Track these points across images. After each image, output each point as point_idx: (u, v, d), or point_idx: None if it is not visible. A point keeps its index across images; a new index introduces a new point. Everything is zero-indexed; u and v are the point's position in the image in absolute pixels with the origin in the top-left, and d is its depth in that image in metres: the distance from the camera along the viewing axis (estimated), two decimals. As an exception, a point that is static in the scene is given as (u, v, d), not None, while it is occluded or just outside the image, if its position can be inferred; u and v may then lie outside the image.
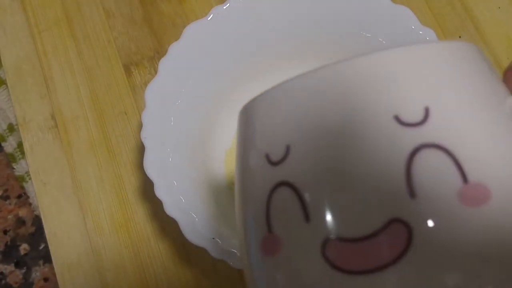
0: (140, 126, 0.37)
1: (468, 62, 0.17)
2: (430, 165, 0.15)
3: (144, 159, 0.29)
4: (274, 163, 0.17)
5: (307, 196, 0.16)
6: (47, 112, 0.38)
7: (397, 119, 0.15)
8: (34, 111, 0.38)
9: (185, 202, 0.29)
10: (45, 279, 0.35)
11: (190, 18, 0.40)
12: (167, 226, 0.35)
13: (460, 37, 0.38)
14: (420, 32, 0.31)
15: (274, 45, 0.34)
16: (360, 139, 0.15)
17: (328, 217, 0.15)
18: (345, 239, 0.15)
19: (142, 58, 0.39)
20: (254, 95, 0.18)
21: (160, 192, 0.29)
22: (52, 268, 0.35)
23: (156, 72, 0.38)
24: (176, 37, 0.39)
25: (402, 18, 0.32)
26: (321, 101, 0.16)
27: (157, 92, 0.31)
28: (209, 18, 0.32)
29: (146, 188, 0.36)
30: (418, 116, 0.15)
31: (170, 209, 0.29)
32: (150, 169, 0.29)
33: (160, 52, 0.39)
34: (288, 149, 0.16)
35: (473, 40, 0.38)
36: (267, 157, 0.17)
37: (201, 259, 0.34)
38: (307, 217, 0.15)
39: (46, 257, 0.35)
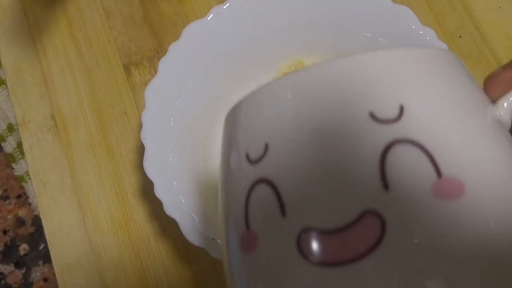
0: (140, 126, 0.37)
1: (444, 67, 0.18)
2: (404, 160, 0.15)
3: (144, 159, 0.29)
4: (253, 162, 0.17)
5: (283, 191, 0.16)
6: (46, 112, 0.38)
7: (372, 115, 0.16)
8: (34, 111, 0.38)
9: (185, 202, 0.29)
10: (45, 279, 0.35)
11: (189, 18, 0.40)
12: (167, 226, 0.35)
13: (460, 36, 0.38)
14: (421, 32, 0.31)
15: (274, 45, 0.34)
16: (336, 135, 0.16)
17: (303, 210, 0.16)
18: (320, 231, 0.15)
19: (142, 58, 0.39)
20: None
21: (160, 192, 0.29)
22: (51, 268, 0.35)
23: (156, 72, 0.38)
24: (176, 37, 0.39)
25: (403, 18, 0.32)
26: (298, 101, 0.17)
27: (157, 92, 0.31)
28: (209, 18, 0.32)
29: (146, 188, 0.36)
30: (392, 113, 0.16)
31: (170, 209, 0.29)
32: (150, 169, 0.29)
33: (160, 52, 0.39)
34: (266, 147, 0.17)
35: (474, 39, 0.38)
36: (247, 156, 0.18)
37: (201, 259, 0.34)
38: (283, 211, 0.16)
39: (46, 257, 0.35)
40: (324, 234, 0.15)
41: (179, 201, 0.29)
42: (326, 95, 0.17)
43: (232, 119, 0.19)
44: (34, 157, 0.37)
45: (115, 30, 0.40)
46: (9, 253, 0.36)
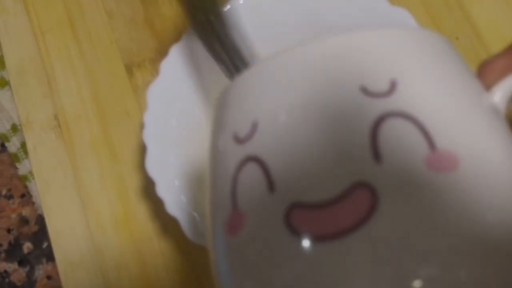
0: (142, 126, 0.38)
1: (439, 49, 0.18)
2: (396, 132, 0.15)
3: (145, 159, 0.30)
4: (240, 141, 0.17)
5: (272, 167, 0.16)
6: (50, 112, 0.38)
7: (364, 89, 0.16)
8: (37, 111, 0.38)
9: (186, 201, 0.30)
10: (48, 277, 0.36)
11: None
12: (169, 225, 0.35)
13: (457, 38, 0.39)
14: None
15: (274, 46, 0.34)
16: (326, 108, 0.16)
17: (292, 185, 0.15)
18: (309, 205, 0.15)
19: (144, 59, 0.39)
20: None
21: (161, 191, 0.29)
22: (55, 267, 0.35)
23: (158, 73, 0.39)
24: (178, 38, 0.40)
25: (400, 20, 0.32)
26: (288, 78, 0.17)
27: (159, 92, 0.31)
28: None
29: (148, 187, 0.36)
30: (384, 87, 0.16)
31: (171, 208, 0.29)
32: (152, 169, 0.30)
33: (161, 53, 0.39)
34: (255, 126, 0.17)
35: (470, 41, 0.39)
36: (235, 135, 0.17)
37: (203, 258, 0.34)
38: (271, 187, 0.15)
39: (49, 256, 0.36)
40: (314, 208, 0.15)
41: (180, 201, 0.29)
42: (317, 71, 0.16)
43: (221, 101, 0.19)
44: (38, 157, 0.37)
45: (117, 31, 0.40)
46: (13, 252, 0.36)
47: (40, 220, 0.37)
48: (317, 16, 0.34)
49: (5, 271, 0.36)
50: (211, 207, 0.18)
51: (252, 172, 0.16)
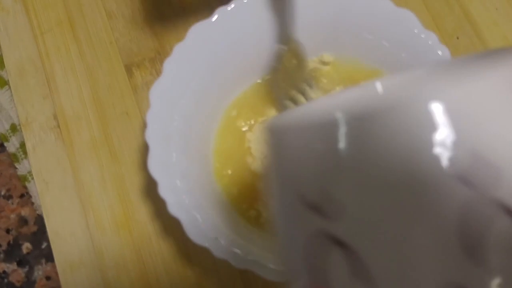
0: (141, 126, 0.38)
1: None
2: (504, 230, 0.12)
3: (148, 158, 0.30)
4: (313, 208, 0.14)
5: (369, 263, 0.13)
6: (49, 112, 0.38)
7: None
8: (37, 112, 0.38)
9: (188, 202, 0.30)
10: (47, 278, 0.36)
11: (191, 19, 0.40)
12: (168, 226, 0.35)
13: (457, 38, 0.39)
14: (422, 36, 0.32)
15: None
16: (417, 194, 0.13)
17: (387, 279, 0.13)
18: None
19: (144, 59, 0.39)
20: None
21: (164, 191, 0.29)
22: (54, 267, 0.35)
23: (157, 73, 0.39)
24: (177, 38, 0.40)
25: (405, 21, 0.32)
26: (364, 142, 0.13)
27: (161, 92, 0.31)
28: (213, 19, 0.32)
29: (148, 187, 0.36)
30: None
31: (173, 209, 0.29)
32: (154, 169, 0.29)
33: (161, 53, 0.39)
34: (326, 194, 0.14)
35: (471, 41, 0.39)
36: (302, 196, 0.15)
37: (202, 258, 0.34)
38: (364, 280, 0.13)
39: (48, 256, 0.36)
40: None
41: (182, 201, 0.29)
42: (396, 140, 0.13)
43: (278, 138, 0.16)
44: (37, 157, 0.37)
45: (116, 31, 0.40)
46: (12, 252, 0.36)
47: (39, 221, 0.37)
48: (320, 17, 0.34)
49: (4, 272, 0.36)
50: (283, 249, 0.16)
51: (339, 259, 0.14)
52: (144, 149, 0.37)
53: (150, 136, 0.30)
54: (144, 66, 0.39)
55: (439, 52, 0.32)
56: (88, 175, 0.36)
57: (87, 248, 0.35)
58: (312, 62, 0.35)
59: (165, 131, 0.31)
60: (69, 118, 0.38)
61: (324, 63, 0.35)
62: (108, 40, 0.40)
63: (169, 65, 0.31)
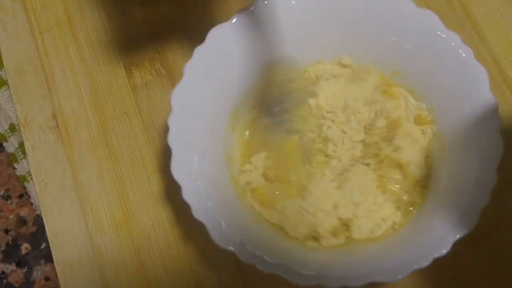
0: (141, 126, 0.38)
1: None
2: None
3: (171, 163, 0.29)
4: None
5: None
6: (48, 112, 0.38)
7: None
8: (36, 111, 0.38)
9: (211, 206, 0.29)
10: (46, 278, 0.35)
11: (190, 19, 0.40)
12: (168, 225, 0.35)
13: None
14: (444, 36, 0.31)
15: (297, 49, 0.34)
16: None
17: None
18: None
19: (143, 58, 0.39)
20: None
21: (187, 195, 0.29)
22: (53, 268, 0.35)
23: (156, 72, 0.39)
24: (176, 38, 0.40)
25: (427, 21, 0.32)
26: None
27: (183, 95, 0.31)
28: (233, 21, 0.32)
29: (147, 187, 0.36)
30: None
31: (198, 213, 0.28)
32: (177, 173, 0.29)
33: (160, 52, 0.39)
34: None
35: (472, 40, 0.38)
36: None
37: (201, 258, 0.34)
38: None
39: (47, 257, 0.36)
40: None
41: (206, 205, 0.29)
42: None
43: None
44: (36, 157, 0.37)
45: (116, 31, 0.40)
46: (10, 253, 0.36)
47: (38, 221, 0.37)
48: (341, 19, 0.34)
49: (3, 272, 0.36)
50: None
51: None
52: (144, 149, 0.37)
53: (173, 140, 0.30)
54: (143, 66, 0.39)
55: (462, 53, 0.31)
56: (87, 175, 0.36)
57: (86, 249, 0.35)
58: (330, 64, 0.35)
59: (187, 134, 0.30)
60: (68, 118, 0.38)
61: (343, 65, 0.35)
62: (108, 39, 0.40)
63: (190, 68, 0.31)
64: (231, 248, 0.28)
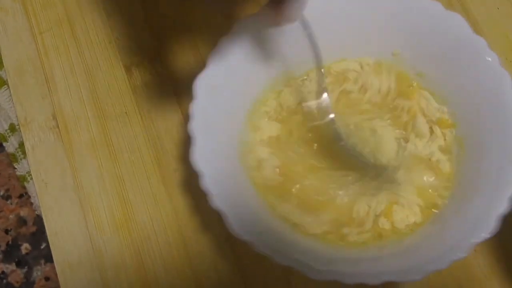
0: (141, 126, 0.38)
1: None
2: None
3: (191, 150, 0.29)
4: None
5: None
6: (48, 112, 0.38)
7: None
8: (36, 111, 0.38)
9: (229, 195, 0.29)
10: (46, 278, 0.35)
11: (190, 18, 0.40)
12: (167, 226, 0.35)
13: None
14: (470, 40, 0.31)
15: (323, 43, 0.34)
16: None
17: None
18: None
19: (143, 58, 0.39)
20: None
21: (206, 184, 0.29)
22: (53, 268, 0.35)
23: (157, 72, 0.39)
24: (177, 37, 0.40)
25: (453, 24, 0.32)
26: None
27: (205, 84, 0.31)
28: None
29: (147, 187, 0.36)
30: None
31: (216, 202, 0.28)
32: (197, 161, 0.29)
33: (160, 52, 0.39)
34: None
35: (472, 40, 0.38)
36: None
37: (201, 259, 0.34)
38: None
39: (47, 257, 0.36)
40: None
41: (223, 194, 0.29)
42: None
43: None
44: (36, 157, 0.37)
45: (116, 30, 0.40)
46: (11, 253, 0.36)
47: (38, 221, 0.37)
48: (369, 16, 0.34)
49: (3, 272, 0.36)
50: None
51: None
52: (144, 149, 0.37)
53: (195, 128, 0.30)
54: (143, 66, 0.39)
55: (488, 58, 0.31)
56: (87, 175, 0.36)
57: (86, 249, 0.35)
58: (354, 61, 0.36)
59: (208, 123, 0.31)
60: (68, 118, 0.38)
61: (366, 64, 0.35)
62: (108, 39, 0.40)
63: (214, 57, 0.31)
64: (247, 238, 0.28)
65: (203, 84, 0.31)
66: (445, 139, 0.33)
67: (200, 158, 0.29)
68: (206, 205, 0.35)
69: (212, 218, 0.35)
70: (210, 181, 0.29)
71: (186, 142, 0.37)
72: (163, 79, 0.39)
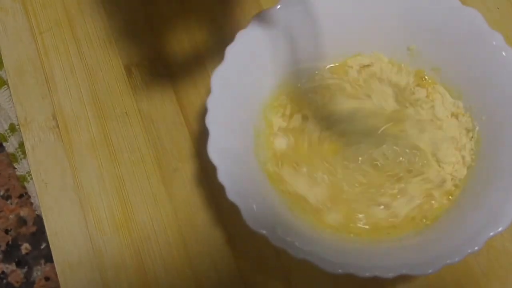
0: (141, 126, 0.38)
1: None
2: None
3: (208, 144, 0.29)
4: None
5: None
6: (48, 112, 0.38)
7: None
8: (36, 111, 0.38)
9: (244, 188, 0.29)
10: (46, 279, 0.35)
11: (190, 18, 0.40)
12: (167, 225, 0.35)
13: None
14: (487, 35, 0.32)
15: (339, 38, 0.34)
16: None
17: None
18: None
19: (143, 58, 0.39)
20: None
21: (222, 177, 0.29)
22: (53, 268, 0.35)
23: (157, 72, 0.39)
24: (177, 37, 0.40)
25: (470, 19, 0.32)
26: None
27: (222, 78, 0.31)
28: (277, 7, 0.32)
29: (147, 187, 0.36)
30: None
31: (232, 194, 0.28)
32: (214, 154, 0.29)
33: (160, 52, 0.39)
34: None
35: (472, 40, 0.38)
36: None
37: (201, 259, 0.34)
38: None
39: (47, 257, 0.36)
40: None
41: (239, 187, 0.29)
42: None
43: None
44: (36, 157, 0.37)
45: (116, 30, 0.40)
46: (10, 253, 0.36)
47: (38, 221, 0.37)
48: (384, 10, 0.34)
49: (3, 272, 0.36)
50: None
51: None
52: (144, 149, 0.37)
53: (211, 121, 0.30)
54: (143, 66, 0.39)
55: (504, 53, 0.31)
56: (87, 175, 0.36)
57: (86, 249, 0.35)
58: (369, 57, 0.36)
59: (224, 116, 0.31)
60: (68, 118, 0.38)
61: (381, 59, 0.36)
62: (108, 39, 0.40)
63: (231, 51, 0.31)
64: (263, 231, 0.28)
65: (220, 78, 0.31)
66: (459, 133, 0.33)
67: (216, 151, 0.29)
68: (206, 205, 0.35)
69: (212, 218, 0.35)
70: (225, 174, 0.29)
71: (185, 142, 0.37)
72: (163, 79, 0.38)
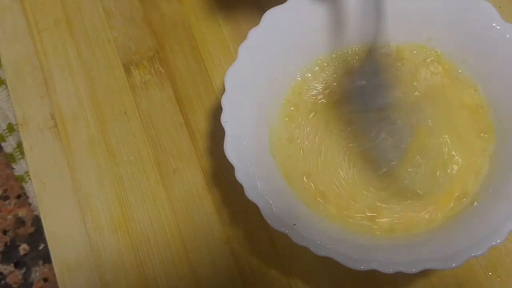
0: (140, 126, 0.37)
1: None
2: None
3: (224, 143, 0.29)
4: None
5: None
6: (46, 112, 0.38)
7: None
8: (34, 111, 0.38)
9: (262, 187, 0.29)
10: (45, 279, 0.35)
11: (189, 17, 0.40)
12: (167, 226, 0.35)
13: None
14: (499, 28, 0.31)
15: (352, 31, 0.34)
16: None
17: None
18: None
19: (142, 57, 0.39)
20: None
21: (240, 176, 0.29)
22: (51, 268, 0.35)
23: (156, 72, 0.39)
24: (176, 36, 0.40)
25: (483, 12, 0.32)
26: None
27: (236, 76, 0.31)
28: (288, 5, 0.32)
29: (146, 188, 0.36)
30: None
31: (250, 194, 0.28)
32: (231, 154, 0.29)
33: (159, 51, 0.39)
34: None
35: (473, 39, 0.38)
36: None
37: (201, 259, 0.34)
38: None
39: (46, 257, 0.35)
40: None
41: (257, 186, 0.29)
42: None
43: None
44: (34, 157, 0.37)
45: (115, 30, 0.40)
46: (9, 253, 0.36)
47: (37, 221, 0.36)
48: (398, 5, 0.34)
49: (1, 273, 0.35)
50: None
51: None
52: (144, 149, 0.37)
53: (226, 120, 0.30)
54: (142, 65, 0.39)
55: None
56: (85, 175, 0.36)
57: (85, 249, 0.34)
58: (383, 48, 0.35)
59: (239, 115, 0.31)
60: (67, 117, 0.38)
61: (391, 51, 0.35)
62: (106, 38, 0.40)
63: (244, 50, 0.31)
64: (283, 230, 0.28)
65: (233, 77, 0.31)
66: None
67: (233, 151, 0.29)
68: (205, 205, 0.35)
69: (212, 218, 0.35)
70: (243, 174, 0.29)
71: (185, 142, 0.37)
72: (162, 78, 0.38)
